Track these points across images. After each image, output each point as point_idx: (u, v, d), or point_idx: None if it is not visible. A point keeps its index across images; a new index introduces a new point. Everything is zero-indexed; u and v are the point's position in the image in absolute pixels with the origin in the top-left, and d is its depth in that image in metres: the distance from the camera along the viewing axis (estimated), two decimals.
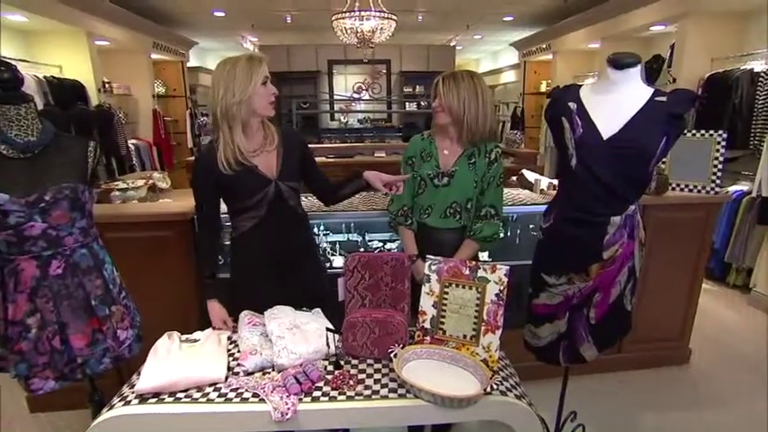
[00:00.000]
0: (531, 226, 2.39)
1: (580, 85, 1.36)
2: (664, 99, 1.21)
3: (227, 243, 1.77)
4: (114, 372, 1.62)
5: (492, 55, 10.22)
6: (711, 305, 3.22)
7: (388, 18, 4.18)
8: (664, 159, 2.24)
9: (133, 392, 1.23)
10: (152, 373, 1.26)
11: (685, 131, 2.20)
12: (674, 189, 2.22)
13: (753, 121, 3.42)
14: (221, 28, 6.89)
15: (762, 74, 3.41)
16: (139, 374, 1.29)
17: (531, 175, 3.03)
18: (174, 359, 1.33)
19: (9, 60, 1.47)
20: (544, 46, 6.44)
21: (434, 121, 1.64)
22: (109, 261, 1.55)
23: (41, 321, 1.39)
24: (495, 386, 1.23)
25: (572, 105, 1.29)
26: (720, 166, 2.11)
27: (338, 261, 2.46)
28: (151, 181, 2.64)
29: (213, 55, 9.79)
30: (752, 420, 2.08)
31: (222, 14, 5.90)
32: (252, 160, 1.48)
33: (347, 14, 4.16)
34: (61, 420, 2.08)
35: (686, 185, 2.20)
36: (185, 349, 1.40)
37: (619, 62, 1.23)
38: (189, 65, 7.23)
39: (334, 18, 4.35)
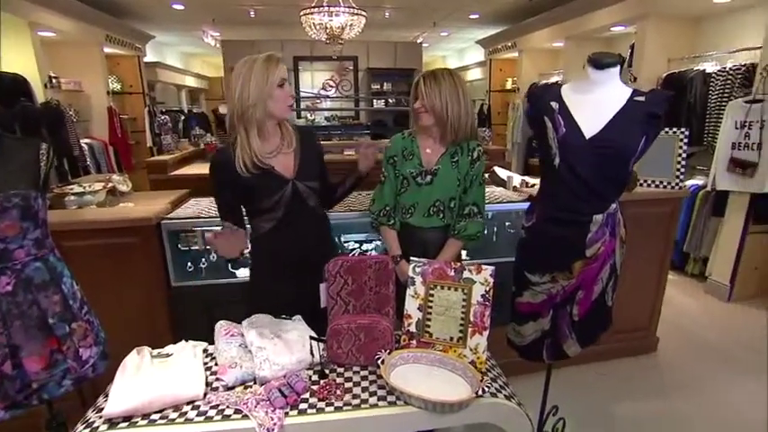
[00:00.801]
0: (507, 223, 2.41)
1: (560, 85, 1.37)
2: (642, 99, 1.23)
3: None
4: (75, 393, 1.50)
5: (458, 52, 10.33)
6: (672, 293, 3.37)
7: (357, 14, 4.11)
8: None
9: (101, 417, 1.13)
10: (122, 394, 1.16)
11: None
12: (641, 185, 2.30)
13: (706, 119, 3.61)
14: (180, 21, 6.58)
15: (713, 75, 3.60)
16: (107, 396, 1.19)
17: (503, 173, 3.07)
18: (146, 377, 1.23)
19: None
20: (509, 44, 6.56)
21: (417, 123, 1.61)
22: (68, 274, 1.42)
23: None
24: (485, 388, 1.22)
25: (554, 105, 1.29)
26: (684, 163, 2.21)
27: None
28: (110, 184, 2.47)
29: (172, 50, 9.36)
30: (716, 404, 2.20)
31: (181, 7, 5.64)
32: (268, 161, 1.45)
33: (316, 10, 4.06)
34: None
35: (653, 181, 2.28)
36: (157, 365, 1.30)
37: (599, 62, 1.25)
38: (146, 60, 6.86)
39: (302, 13, 4.24)
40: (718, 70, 3.57)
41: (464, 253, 2.35)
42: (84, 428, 1.12)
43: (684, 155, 2.21)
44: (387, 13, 5.66)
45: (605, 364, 2.46)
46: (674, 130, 2.22)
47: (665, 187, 2.26)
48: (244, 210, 1.57)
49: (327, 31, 4.22)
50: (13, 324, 1.27)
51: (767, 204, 3.09)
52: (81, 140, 4.96)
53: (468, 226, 1.63)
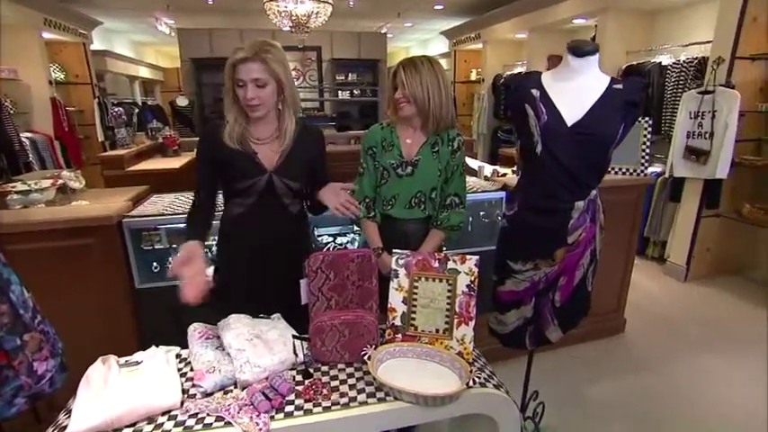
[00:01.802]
0: (481, 213, 2.42)
1: (540, 72, 1.36)
2: (620, 87, 1.25)
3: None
4: (28, 410, 1.36)
5: (422, 43, 10.35)
6: (635, 276, 3.53)
7: (323, 2, 3.99)
8: None
9: None
10: (87, 410, 1.06)
11: None
12: (609, 173, 2.36)
13: (663, 110, 3.79)
14: (131, 7, 6.18)
15: (668, 67, 3.77)
16: (69, 413, 1.09)
17: (473, 163, 3.09)
18: (114, 389, 1.13)
19: None
20: (473, 35, 6.62)
21: (398, 114, 1.55)
22: (16, 281, 1.28)
23: None
24: (475, 379, 1.21)
25: (535, 92, 1.29)
26: (648, 150, 2.30)
27: None
28: (60, 181, 2.27)
29: (122, 37, 8.80)
30: (678, 378, 2.33)
31: None
32: (253, 146, 1.44)
33: None
34: None
35: (619, 169, 2.36)
36: (126, 375, 1.21)
37: (579, 50, 1.25)
38: (93, 48, 6.38)
39: (266, 0, 4.05)
40: (673, 63, 3.74)
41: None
42: None
43: (649, 143, 2.29)
44: (351, 3, 5.55)
45: (579, 346, 2.55)
46: (639, 119, 2.29)
47: (630, 174, 2.34)
48: (220, 193, 1.54)
49: (292, 18, 4.07)
50: None
51: (718, 190, 3.28)
52: (21, 134, 4.56)
53: (450, 216, 1.62)
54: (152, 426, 1.06)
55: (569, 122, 1.23)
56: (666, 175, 3.54)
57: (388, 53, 11.43)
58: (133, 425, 1.06)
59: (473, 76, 7.29)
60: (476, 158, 4.96)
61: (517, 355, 1.94)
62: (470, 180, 2.59)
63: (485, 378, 1.24)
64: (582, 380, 2.30)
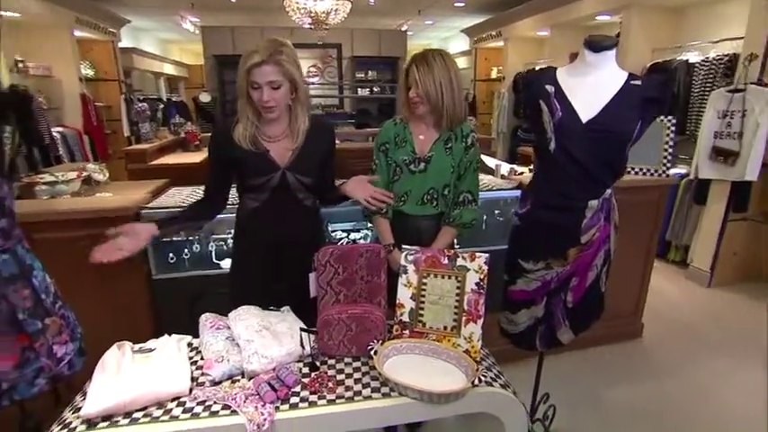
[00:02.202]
0: (496, 211, 2.39)
1: (556, 68, 1.34)
2: (638, 83, 1.21)
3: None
4: (48, 391, 1.42)
5: (443, 41, 10.27)
6: (655, 280, 3.43)
7: None
8: None
9: (78, 417, 1.07)
10: (101, 393, 1.10)
11: None
12: (628, 172, 2.31)
13: (689, 109, 3.66)
14: (157, 6, 6.33)
15: (696, 65, 3.64)
16: (85, 395, 1.13)
17: (490, 161, 3.06)
18: (127, 374, 1.17)
19: None
20: (494, 33, 6.53)
21: (412, 112, 1.54)
22: (39, 267, 1.34)
23: None
24: (481, 378, 1.20)
25: (549, 88, 1.26)
26: (671, 150, 2.22)
27: None
28: (85, 173, 2.35)
29: (149, 35, 9.03)
30: (699, 385, 2.25)
31: None
32: (266, 144, 1.45)
33: None
34: None
35: (640, 169, 2.29)
36: (139, 361, 1.24)
37: (596, 44, 1.22)
38: (121, 45, 6.58)
39: None
40: (701, 60, 3.61)
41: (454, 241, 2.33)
42: (61, 429, 1.05)
43: (672, 143, 2.22)
44: (371, 0, 5.55)
45: (594, 350, 2.49)
46: (662, 118, 2.23)
47: (651, 175, 2.28)
48: (234, 187, 1.57)
49: (312, 15, 4.10)
50: None
51: (746, 192, 3.15)
52: (52, 129, 4.73)
53: (462, 213, 1.60)
54: (162, 411, 1.08)
55: (584, 119, 1.20)
56: (691, 177, 3.42)
57: (409, 51, 11.39)
58: (144, 409, 1.09)
59: (494, 74, 7.20)
60: (494, 157, 4.90)
61: (528, 356, 1.90)
62: (486, 178, 2.57)
63: (491, 377, 1.23)
64: (596, 384, 2.25)
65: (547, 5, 5.09)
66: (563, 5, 4.83)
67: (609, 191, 1.30)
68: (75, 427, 1.04)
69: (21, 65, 4.44)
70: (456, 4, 6.21)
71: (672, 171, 3.61)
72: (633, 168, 2.31)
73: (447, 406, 1.16)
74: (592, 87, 1.22)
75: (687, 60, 3.72)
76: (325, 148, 1.55)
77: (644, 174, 2.29)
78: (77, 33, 5.40)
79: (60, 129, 4.97)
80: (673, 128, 2.21)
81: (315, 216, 1.65)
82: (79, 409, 1.08)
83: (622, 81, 1.22)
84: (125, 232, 1.35)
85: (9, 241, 1.25)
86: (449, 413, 1.21)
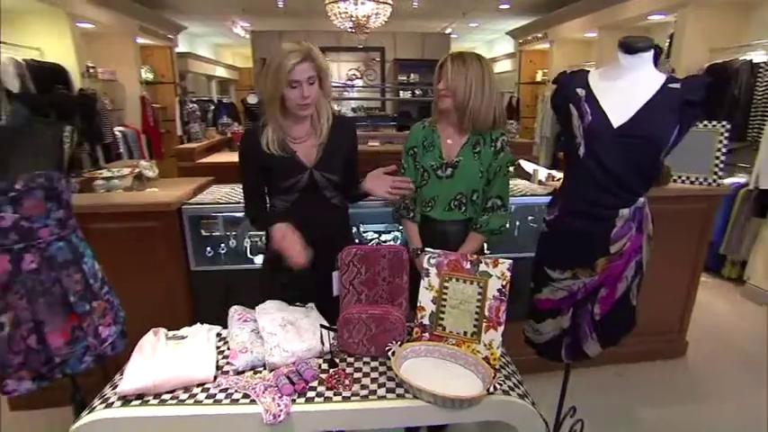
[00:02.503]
0: (530, 218, 2.33)
1: (588, 71, 1.29)
2: (677, 86, 1.15)
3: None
4: (99, 369, 1.54)
5: (488, 44, 10.11)
6: (706, 297, 3.21)
7: (383, 3, 4.05)
8: None
9: (115, 394, 1.16)
10: (136, 373, 1.19)
11: None
12: (675, 181, 2.18)
13: (751, 113, 3.39)
14: (211, 12, 6.68)
15: (761, 65, 3.37)
16: (123, 374, 1.22)
17: (528, 166, 2.98)
18: (160, 358, 1.26)
19: None
20: (540, 35, 6.35)
21: (438, 106, 1.55)
22: (89, 254, 1.46)
23: (15, 319, 1.30)
24: (497, 385, 1.18)
25: (580, 92, 1.22)
26: (723, 158, 2.07)
27: None
28: (137, 169, 2.53)
29: (203, 41, 9.54)
30: (748, 414, 2.07)
31: None
32: (292, 146, 1.49)
33: None
34: (43, 418, 2.00)
35: (687, 177, 2.16)
36: (172, 347, 1.33)
37: (631, 46, 1.16)
38: (178, 50, 7.01)
39: (328, 2, 4.21)
40: None
41: (485, 247, 2.29)
42: (101, 403, 1.15)
43: (724, 150, 2.07)
44: (415, 3, 5.56)
45: (628, 366, 2.37)
46: (714, 123, 2.08)
47: (701, 184, 2.13)
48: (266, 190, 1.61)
49: (353, 19, 4.18)
50: (38, 301, 1.31)
51: None
52: (115, 128, 5.12)
53: (491, 220, 1.57)
54: (187, 395, 1.15)
55: (615, 124, 1.15)
56: (751, 187, 3.16)
57: None
58: (172, 391, 1.16)
59: (538, 77, 7.00)
60: (537, 162, 4.77)
61: (557, 367, 1.83)
62: (521, 183, 2.51)
63: (510, 386, 1.21)
64: (630, 402, 2.14)
65: (595, 6, 4.89)
66: (612, 6, 4.62)
67: (642, 199, 1.24)
68: (113, 403, 1.13)
69: (91, 70, 4.83)
70: (501, 6, 6.10)
71: (728, 180, 3.38)
72: (680, 176, 2.17)
73: (461, 412, 1.15)
74: (625, 91, 1.17)
75: (751, 61, 3.45)
76: (348, 144, 1.58)
77: (691, 182, 2.15)
78: (140, 40, 5.82)
79: (121, 128, 5.36)
80: (726, 133, 2.06)
81: (344, 214, 1.69)
82: (116, 386, 1.18)
83: (659, 84, 1.16)
84: (282, 239, 1.44)
85: (65, 230, 1.37)
86: (463, 419, 1.20)
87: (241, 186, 1.63)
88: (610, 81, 1.21)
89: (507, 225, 1.64)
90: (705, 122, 2.11)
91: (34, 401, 2.02)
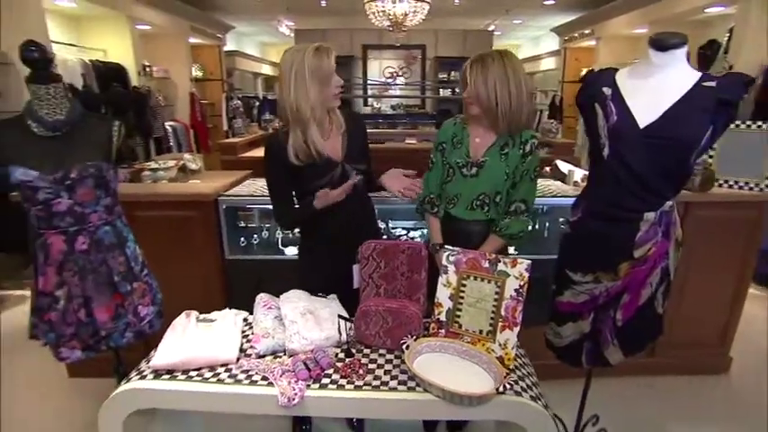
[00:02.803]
0: (561, 219, 2.27)
1: (616, 69, 1.25)
2: (713, 84, 1.08)
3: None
4: (142, 345, 1.68)
5: (532, 41, 9.82)
6: (757, 311, 2.99)
7: (421, 1, 4.05)
8: (711, 153, 2.07)
9: (149, 368, 1.26)
10: (167, 351, 1.29)
11: (738, 123, 2.01)
12: (720, 185, 2.04)
13: None
14: (258, 12, 6.93)
15: None
16: (156, 350, 1.32)
17: (564, 166, 2.89)
18: (190, 338, 1.35)
19: (57, 44, 1.52)
20: (587, 31, 6.10)
21: (467, 112, 1.54)
22: (131, 239, 1.59)
23: (69, 294, 1.44)
24: (508, 385, 1.17)
25: (606, 91, 1.18)
26: None
27: None
28: (181, 162, 2.69)
29: (249, 39, 9.91)
30: None
31: None
32: (319, 147, 1.49)
33: None
34: (93, 386, 2.19)
35: (735, 182, 2.02)
36: (201, 329, 1.42)
37: (663, 43, 1.11)
38: (226, 49, 7.34)
39: (366, 1, 4.26)
40: None
41: (511, 248, 2.26)
42: (136, 375, 1.26)
43: None
44: (456, 1, 5.51)
45: (664, 378, 2.25)
46: (766, 124, 1.94)
47: (750, 189, 1.99)
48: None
49: (390, 18, 4.21)
50: (87, 279, 1.45)
51: None
52: (166, 123, 5.45)
53: (511, 224, 1.54)
54: (211, 373, 1.24)
55: (642, 124, 1.11)
56: None
57: None
58: (198, 369, 1.25)
59: (583, 75, 6.72)
60: (579, 163, 4.59)
61: (584, 374, 1.79)
62: (555, 184, 2.45)
63: (522, 387, 1.20)
64: (662, 415, 2.04)
65: (646, 0, 4.63)
66: None
67: (669, 203, 1.18)
68: (146, 375, 1.24)
69: (147, 69, 5.17)
70: (546, 2, 5.91)
71: None
72: (727, 181, 2.04)
73: (470, 409, 1.16)
74: (654, 90, 1.12)
75: None
76: (364, 134, 1.63)
77: (740, 187, 2.01)
78: (191, 40, 6.14)
79: (172, 123, 5.69)
80: None
81: (371, 204, 1.73)
82: (150, 361, 1.28)
83: (692, 83, 1.10)
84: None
85: (111, 216, 1.50)
86: (472, 416, 1.21)
87: (275, 205, 1.63)
88: (639, 80, 1.17)
89: (529, 229, 1.60)
90: (758, 123, 1.97)
91: (87, 371, 2.22)
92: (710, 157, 2.08)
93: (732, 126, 2.01)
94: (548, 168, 2.81)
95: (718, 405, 2.12)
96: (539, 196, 2.13)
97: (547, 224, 2.29)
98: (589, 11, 5.88)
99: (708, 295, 2.11)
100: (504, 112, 1.45)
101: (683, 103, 1.08)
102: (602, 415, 1.65)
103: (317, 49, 1.42)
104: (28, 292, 3.28)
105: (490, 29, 8.29)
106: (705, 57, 4.07)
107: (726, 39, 3.84)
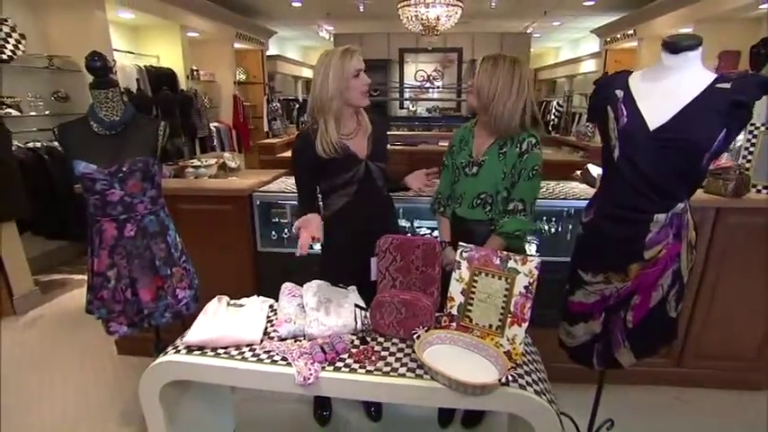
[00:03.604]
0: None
1: (630, 72, 1.26)
2: (727, 86, 1.08)
3: None
4: (180, 326, 1.83)
5: (572, 43, 9.54)
6: None
7: (453, 5, 4.08)
8: (749, 157, 1.99)
9: (183, 343, 1.40)
10: (199, 330, 1.42)
11: None
12: (759, 191, 1.96)
13: None
14: (299, 17, 7.18)
15: None
16: (190, 329, 1.46)
17: (595, 170, 2.84)
18: (220, 320, 1.48)
19: (118, 52, 1.71)
20: (630, 32, 5.87)
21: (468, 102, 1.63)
22: (173, 228, 1.75)
23: (118, 275, 1.61)
24: (512, 377, 1.21)
25: (618, 93, 1.20)
26: None
27: None
28: (221, 160, 2.89)
29: (291, 44, 10.24)
30: None
31: (299, 4, 6.16)
32: (345, 143, 1.60)
33: (412, 2, 4.13)
34: (137, 363, 2.41)
35: (764, 187, 1.93)
36: (231, 311, 1.55)
37: (676, 45, 1.12)
38: (268, 53, 7.64)
39: (399, 6, 4.34)
40: None
41: (533, 248, 2.26)
42: (172, 350, 1.40)
43: None
44: (493, 3, 5.48)
45: (693, 390, 2.17)
46: None
47: None
48: (318, 189, 1.72)
49: (423, 22, 4.27)
50: (134, 262, 1.62)
51: None
52: (211, 124, 5.77)
53: (507, 223, 1.56)
54: (237, 352, 1.36)
55: (652, 126, 1.12)
56: None
57: (535, 54, 10.84)
58: (225, 348, 1.37)
59: None
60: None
61: (605, 379, 1.78)
62: (579, 186, 2.43)
63: (527, 382, 1.23)
64: (686, 429, 1.97)
65: None
66: None
67: (681, 205, 1.18)
68: (180, 350, 1.37)
69: (195, 73, 5.51)
70: (585, 3, 5.76)
71: None
72: (766, 187, 1.95)
73: (475, 398, 1.20)
74: (665, 92, 1.12)
75: None
76: (384, 134, 1.73)
77: None
78: (236, 45, 6.47)
79: (216, 124, 6.02)
80: None
81: (391, 202, 1.82)
82: (184, 338, 1.42)
83: (705, 85, 1.10)
84: (302, 227, 1.48)
85: (155, 207, 1.67)
86: (476, 406, 1.26)
87: (300, 200, 1.71)
88: (651, 82, 1.17)
89: (532, 228, 1.62)
90: None
91: (133, 349, 2.43)
92: (748, 161, 2.01)
93: None
94: (578, 172, 2.77)
95: (753, 423, 2.02)
96: (561, 198, 2.14)
97: (570, 227, 2.28)
98: (631, 11, 5.67)
99: (742, 305, 2.03)
100: (495, 113, 1.51)
101: (695, 105, 1.09)
102: (620, 423, 1.64)
103: (344, 50, 1.55)
104: (86, 277, 3.63)
105: (528, 31, 8.15)
106: (759, 56, 3.85)
107: None
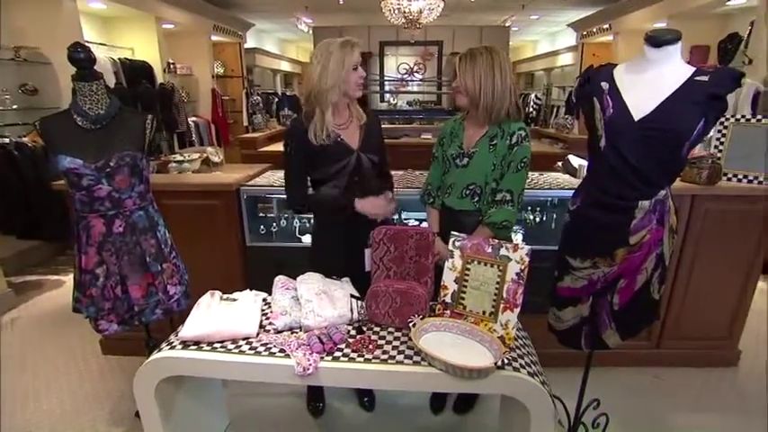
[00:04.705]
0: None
1: (614, 65, 1.31)
2: (705, 78, 1.14)
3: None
4: (168, 323, 1.81)
5: (550, 36, 9.71)
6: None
7: None
8: (720, 147, 2.09)
9: (177, 339, 1.39)
10: (194, 324, 1.41)
11: (748, 117, 2.03)
12: (729, 179, 2.07)
13: None
14: (277, 10, 7.07)
15: None
16: (184, 324, 1.45)
17: (576, 161, 2.92)
18: (214, 314, 1.47)
19: (90, 43, 1.66)
20: (605, 26, 6.03)
21: (455, 102, 1.65)
22: (162, 224, 1.72)
23: (107, 272, 1.59)
24: (507, 360, 1.26)
25: (604, 85, 1.25)
26: None
27: None
28: (205, 155, 2.84)
29: (270, 36, 10.08)
30: None
31: None
32: (338, 132, 1.62)
33: None
34: (124, 362, 2.36)
35: (744, 176, 2.04)
36: (224, 306, 1.55)
37: (657, 39, 1.17)
38: (246, 46, 7.51)
39: None
40: None
41: (519, 237, 2.32)
42: (166, 346, 1.39)
43: None
44: None
45: (670, 370, 2.29)
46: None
47: (760, 183, 2.01)
48: (309, 181, 1.71)
49: (405, 15, 4.27)
50: (123, 258, 1.59)
51: None
52: (189, 118, 5.64)
53: (494, 213, 1.59)
54: (234, 345, 1.36)
55: (636, 116, 1.17)
56: None
57: (516, 47, 11.00)
58: (222, 342, 1.37)
59: None
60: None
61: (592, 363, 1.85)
62: (562, 177, 2.50)
63: (521, 364, 1.28)
64: (665, 405, 2.08)
65: None
66: None
67: (663, 192, 1.24)
68: (175, 345, 1.37)
69: (171, 66, 5.37)
70: None
71: None
72: (735, 175, 2.06)
73: (470, 382, 1.24)
74: (648, 84, 1.18)
75: None
76: (379, 130, 1.74)
77: (749, 181, 2.03)
78: (213, 38, 6.32)
79: (195, 118, 5.89)
80: None
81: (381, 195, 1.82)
82: (178, 333, 1.41)
83: (685, 77, 1.16)
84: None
85: (144, 202, 1.64)
86: (472, 389, 1.29)
87: (291, 188, 1.70)
88: (635, 74, 1.23)
89: (514, 220, 1.62)
90: (759, 117, 1.99)
91: (119, 349, 2.39)
92: (720, 151, 2.11)
93: (742, 120, 2.04)
94: (560, 163, 2.85)
95: (725, 398, 2.15)
96: (546, 189, 2.20)
97: (555, 216, 2.35)
98: (607, 5, 5.81)
99: (715, 287, 2.14)
100: (486, 104, 1.55)
101: (676, 97, 1.14)
102: (605, 403, 1.71)
103: (344, 42, 1.56)
104: (63, 277, 3.53)
105: (507, 25, 8.25)
106: (726, 50, 4.02)
107: (747, 32, 3.79)
